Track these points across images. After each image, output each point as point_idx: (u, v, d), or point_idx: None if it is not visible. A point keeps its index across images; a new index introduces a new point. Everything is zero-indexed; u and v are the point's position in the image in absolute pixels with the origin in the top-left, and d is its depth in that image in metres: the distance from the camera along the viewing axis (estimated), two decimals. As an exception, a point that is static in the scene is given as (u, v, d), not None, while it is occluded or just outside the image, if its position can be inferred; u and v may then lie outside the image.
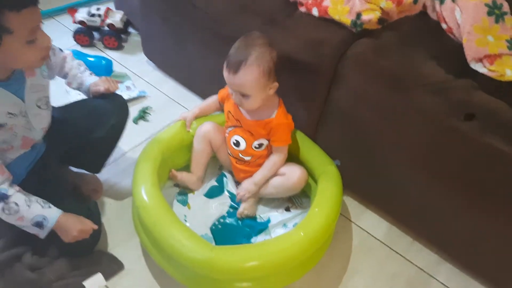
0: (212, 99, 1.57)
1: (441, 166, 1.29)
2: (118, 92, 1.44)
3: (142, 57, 2.14)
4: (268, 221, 1.51)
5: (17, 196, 1.16)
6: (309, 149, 1.54)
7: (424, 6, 1.51)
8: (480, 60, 1.26)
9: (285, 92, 1.52)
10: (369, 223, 1.56)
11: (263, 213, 1.54)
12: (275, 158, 1.46)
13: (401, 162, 1.39)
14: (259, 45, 1.29)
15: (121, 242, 1.43)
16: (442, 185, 1.32)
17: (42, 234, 1.21)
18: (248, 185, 1.48)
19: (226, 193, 1.58)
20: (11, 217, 1.16)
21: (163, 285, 1.34)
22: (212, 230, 1.47)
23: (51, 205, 1.22)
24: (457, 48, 1.29)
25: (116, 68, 2.09)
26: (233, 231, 1.48)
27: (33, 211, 1.18)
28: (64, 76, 1.41)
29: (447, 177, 1.30)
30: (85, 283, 1.30)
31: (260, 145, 1.45)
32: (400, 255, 1.48)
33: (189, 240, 1.21)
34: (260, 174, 1.47)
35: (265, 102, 1.37)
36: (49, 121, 1.32)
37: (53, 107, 1.38)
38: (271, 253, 1.23)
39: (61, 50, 1.39)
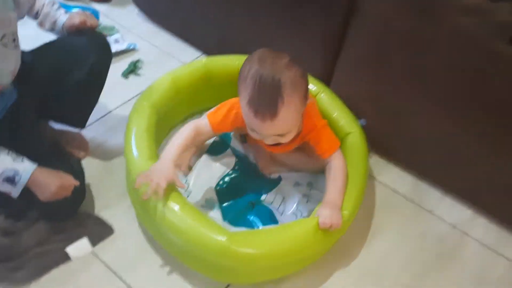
0: (187, 137, 1.14)
1: (479, 101, 1.10)
2: None
3: (132, 10, 1.94)
4: (280, 178, 1.33)
5: None
6: (327, 103, 1.33)
7: None
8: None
9: (294, 32, 1.33)
10: (392, 178, 1.38)
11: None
12: (338, 168, 1.14)
13: (430, 103, 1.20)
14: (284, 66, 0.98)
15: (110, 205, 1.25)
16: (478, 125, 1.14)
17: (14, 192, 1.03)
18: (328, 211, 1.06)
19: (229, 150, 1.39)
20: None
21: (158, 251, 1.17)
22: (216, 190, 1.29)
23: (24, 158, 1.04)
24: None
25: (104, 21, 1.89)
26: (240, 188, 1.30)
27: (2, 164, 1.00)
28: (35, 15, 1.21)
29: (483, 114, 1.12)
30: (68, 249, 1.12)
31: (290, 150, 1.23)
32: (429, 211, 1.31)
33: (200, 224, 1.02)
34: (337, 196, 1.10)
35: None
36: (17, 63, 1.12)
37: (24, 51, 1.18)
38: (294, 238, 1.05)
39: None
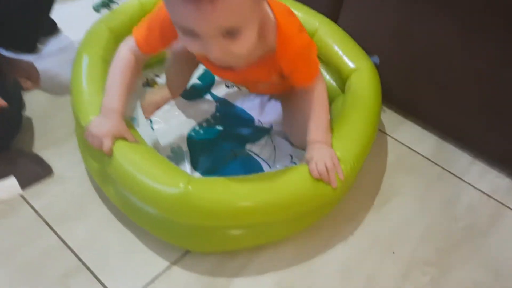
0: (126, 68, 0.82)
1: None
2: None
3: None
4: (271, 126, 1.07)
5: None
6: (331, 38, 1.06)
7: None
8: None
9: None
10: (411, 137, 1.12)
11: (264, 119, 1.09)
12: (318, 97, 0.84)
13: (469, 32, 0.93)
14: None
15: (53, 144, 0.99)
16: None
17: None
18: (320, 152, 0.81)
19: (209, 96, 1.13)
20: None
21: (104, 203, 0.90)
22: (189, 139, 1.03)
23: None
24: None
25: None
26: (218, 138, 1.04)
27: None
28: None
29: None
30: (-12, 187, 0.86)
31: (269, 81, 0.93)
32: (456, 176, 1.04)
33: (154, 166, 0.77)
34: (324, 133, 0.84)
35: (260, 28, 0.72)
36: None
37: None
38: (275, 190, 0.77)
39: None
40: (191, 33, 0.64)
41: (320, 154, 0.79)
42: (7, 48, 1.11)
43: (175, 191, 0.73)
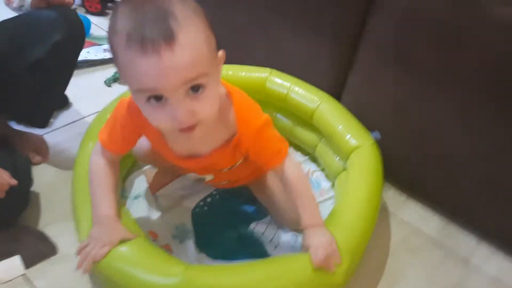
0: (102, 175, 0.84)
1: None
2: (93, 52, 1.04)
3: (128, 24, 1.78)
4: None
5: None
6: (332, 115, 1.10)
7: None
8: None
9: (303, 29, 1.13)
10: (415, 217, 1.12)
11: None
12: (297, 176, 0.84)
13: (467, 115, 0.96)
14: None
15: (58, 221, 0.99)
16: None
17: None
18: (318, 239, 0.80)
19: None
20: None
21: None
22: (193, 215, 1.04)
23: None
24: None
25: (96, 32, 1.73)
26: (222, 214, 1.04)
27: None
28: None
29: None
30: (-8, 267, 0.86)
31: (235, 165, 0.92)
32: (463, 259, 1.03)
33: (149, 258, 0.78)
34: (315, 215, 0.84)
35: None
36: None
37: None
38: (274, 280, 0.77)
39: None
40: (155, 97, 0.64)
41: (317, 241, 0.78)
42: (19, 122, 1.15)
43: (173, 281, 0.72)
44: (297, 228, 0.88)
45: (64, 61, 1.02)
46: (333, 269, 0.77)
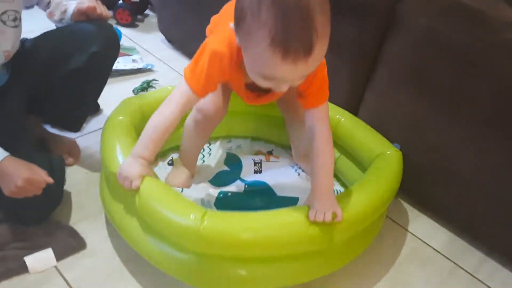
0: (166, 126, 0.88)
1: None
2: (122, 62, 1.12)
3: (156, 36, 1.88)
4: (297, 198, 1.10)
5: None
6: (355, 127, 1.15)
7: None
8: None
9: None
10: (425, 231, 1.16)
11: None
12: (323, 139, 0.90)
13: (481, 135, 1.01)
14: None
15: (87, 218, 1.07)
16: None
17: None
18: (322, 203, 0.86)
19: (239, 182, 1.19)
20: None
21: (132, 271, 0.96)
22: (217, 199, 1.09)
23: None
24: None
25: (126, 43, 1.81)
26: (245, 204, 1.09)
27: None
28: (47, 5, 1.11)
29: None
30: (27, 258, 0.93)
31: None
32: (469, 273, 1.07)
33: (173, 201, 0.85)
34: (325, 181, 0.90)
35: None
36: (15, 45, 1.01)
37: (26, 39, 1.09)
38: (286, 224, 0.85)
39: None
40: (276, 79, 0.76)
41: (322, 206, 0.84)
42: (53, 125, 1.23)
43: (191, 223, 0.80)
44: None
45: (100, 71, 1.10)
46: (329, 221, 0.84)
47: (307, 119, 0.92)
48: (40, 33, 1.11)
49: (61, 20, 1.12)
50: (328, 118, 0.93)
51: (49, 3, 1.11)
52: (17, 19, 0.99)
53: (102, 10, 1.09)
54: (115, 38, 1.10)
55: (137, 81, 1.58)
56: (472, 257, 1.11)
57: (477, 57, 0.95)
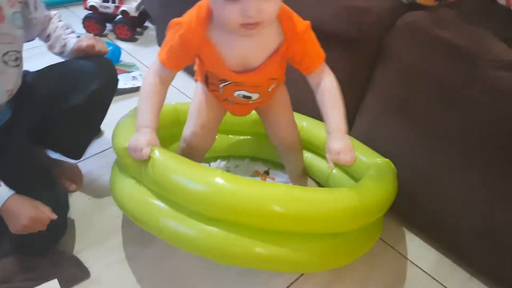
0: (156, 96, 0.96)
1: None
2: (122, 80, 1.17)
3: (156, 50, 1.87)
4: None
5: None
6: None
7: (491, -12, 1.22)
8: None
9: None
10: (412, 250, 1.22)
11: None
12: (335, 87, 0.97)
13: (464, 164, 1.05)
14: None
15: (91, 245, 1.13)
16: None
17: None
18: (343, 144, 0.91)
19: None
20: None
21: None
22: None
23: (2, 183, 0.94)
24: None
25: (126, 59, 1.86)
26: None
27: None
28: (46, 37, 1.16)
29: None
30: (34, 290, 0.99)
31: (276, 82, 1.04)
32: (454, 293, 1.12)
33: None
34: (342, 123, 0.95)
35: None
36: (17, 83, 1.06)
37: (28, 72, 1.13)
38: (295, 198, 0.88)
39: (47, 9, 1.15)
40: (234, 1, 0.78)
41: (338, 146, 0.90)
42: (56, 151, 1.29)
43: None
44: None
45: (100, 106, 1.15)
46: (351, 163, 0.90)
47: (312, 81, 0.98)
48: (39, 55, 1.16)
49: (61, 53, 1.17)
50: (331, 72, 0.98)
51: (48, 35, 1.16)
52: (18, 59, 1.03)
53: (100, 46, 1.13)
54: (113, 73, 1.15)
55: (136, 99, 1.62)
56: (458, 277, 1.16)
57: (458, 92, 0.99)
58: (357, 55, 1.14)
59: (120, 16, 1.94)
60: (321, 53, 0.96)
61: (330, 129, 0.94)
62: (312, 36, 0.94)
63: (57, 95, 1.10)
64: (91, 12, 1.95)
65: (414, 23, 1.06)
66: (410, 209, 1.23)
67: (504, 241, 1.05)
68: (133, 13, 1.93)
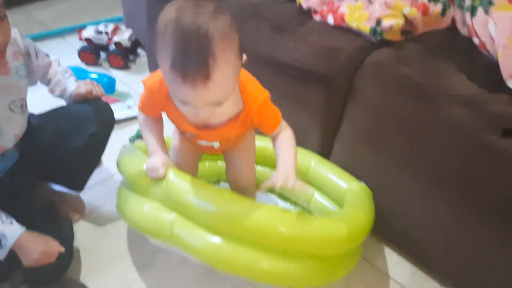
0: (153, 127, 1.09)
1: (474, 193, 1.07)
2: (118, 109, 1.29)
3: (148, 77, 2.01)
4: None
5: None
6: (324, 168, 1.35)
7: (453, 20, 1.34)
8: (519, 77, 1.07)
9: (295, 108, 1.36)
10: (389, 264, 1.33)
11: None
12: (289, 137, 1.06)
13: (427, 190, 1.17)
14: (210, 15, 0.77)
15: (96, 272, 1.24)
16: (476, 218, 1.10)
17: (0, 254, 1.03)
18: (285, 173, 0.98)
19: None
20: None
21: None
22: None
23: (13, 220, 1.05)
24: (491, 65, 1.12)
25: (120, 87, 1.97)
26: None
27: None
28: (47, 82, 1.27)
29: (482, 208, 1.08)
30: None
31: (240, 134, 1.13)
32: (425, 303, 1.24)
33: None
34: (291, 165, 1.01)
35: None
36: (23, 128, 1.17)
37: (32, 114, 1.24)
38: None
39: (47, 55, 1.27)
40: (187, 103, 0.84)
41: (284, 175, 0.96)
42: (58, 184, 1.39)
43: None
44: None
45: (99, 145, 1.27)
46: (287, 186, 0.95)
47: (271, 136, 1.07)
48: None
49: (61, 96, 1.28)
50: (287, 127, 1.07)
51: (49, 80, 1.27)
52: (23, 106, 1.14)
53: (97, 91, 1.25)
54: (110, 114, 1.27)
55: (133, 128, 1.73)
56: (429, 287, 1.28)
57: (419, 127, 1.11)
58: (332, 91, 1.25)
59: (113, 47, 2.05)
60: (277, 119, 1.05)
61: (278, 167, 1.01)
62: (269, 106, 1.02)
63: (59, 138, 1.21)
64: (86, 44, 2.06)
65: (380, 63, 1.18)
66: (385, 226, 1.35)
67: (464, 254, 1.17)
68: (126, 43, 2.04)
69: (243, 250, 1.00)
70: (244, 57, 0.89)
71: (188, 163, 1.19)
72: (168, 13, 0.79)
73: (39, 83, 1.27)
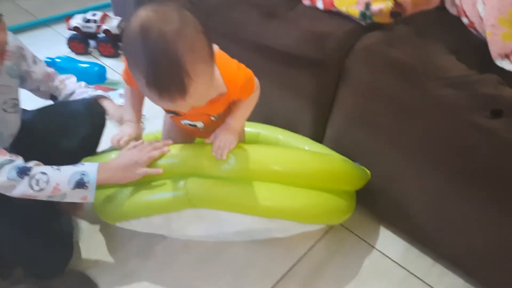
0: (134, 101, 1.11)
1: (463, 169, 1.10)
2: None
3: (138, 65, 2.01)
4: None
5: (39, 167, 1.01)
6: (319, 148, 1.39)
7: (442, 0, 1.36)
8: (507, 56, 1.10)
9: (287, 93, 1.38)
10: (383, 242, 1.37)
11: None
12: (249, 101, 1.07)
13: (417, 167, 1.20)
14: (175, 34, 0.76)
15: (96, 264, 1.26)
16: (465, 191, 1.13)
17: (90, 195, 1.03)
18: (226, 135, 1.05)
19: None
20: (44, 191, 1.00)
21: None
22: None
23: (80, 164, 1.06)
24: (480, 44, 1.15)
25: (111, 76, 1.96)
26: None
27: (66, 172, 1.02)
28: (54, 90, 1.28)
29: (470, 182, 1.11)
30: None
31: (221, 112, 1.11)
32: (419, 279, 1.28)
33: None
34: (238, 119, 1.07)
35: None
36: (17, 126, 1.17)
37: (25, 110, 1.24)
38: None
39: (48, 65, 1.27)
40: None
41: (224, 137, 1.04)
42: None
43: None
44: None
45: (90, 146, 1.28)
46: (224, 157, 1.03)
47: None
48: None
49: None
50: (257, 96, 1.07)
51: (57, 88, 1.28)
52: (16, 105, 1.14)
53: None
54: (102, 115, 1.27)
55: (126, 117, 1.74)
56: (422, 263, 1.32)
57: (409, 108, 1.13)
58: (323, 76, 1.27)
59: (103, 35, 2.04)
60: (252, 89, 1.03)
61: (228, 120, 1.07)
62: (249, 85, 1.02)
63: (49, 140, 1.21)
64: (74, 32, 2.05)
65: (370, 46, 1.19)
66: (379, 204, 1.38)
67: (456, 226, 1.21)
68: (115, 31, 2.02)
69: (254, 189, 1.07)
70: (215, 49, 0.87)
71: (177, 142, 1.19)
72: (134, 30, 0.76)
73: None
